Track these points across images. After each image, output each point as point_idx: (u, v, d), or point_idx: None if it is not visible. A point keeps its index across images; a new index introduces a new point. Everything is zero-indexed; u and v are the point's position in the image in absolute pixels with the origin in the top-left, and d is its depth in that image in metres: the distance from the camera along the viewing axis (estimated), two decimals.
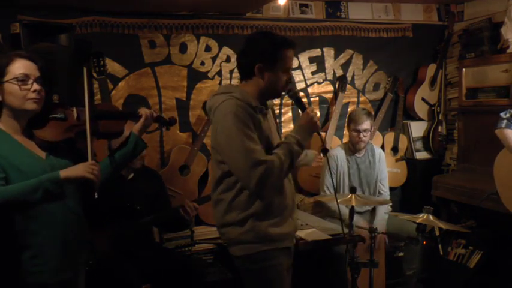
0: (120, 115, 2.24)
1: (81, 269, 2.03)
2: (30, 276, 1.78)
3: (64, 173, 1.77)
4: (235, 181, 2.00)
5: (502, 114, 3.02)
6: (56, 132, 1.89)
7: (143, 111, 2.10)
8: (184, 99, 3.78)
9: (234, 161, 1.93)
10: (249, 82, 2.07)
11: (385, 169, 3.69)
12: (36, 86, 1.79)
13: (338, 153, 3.56)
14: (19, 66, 1.79)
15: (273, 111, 2.26)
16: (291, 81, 2.11)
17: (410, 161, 4.45)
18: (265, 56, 2.00)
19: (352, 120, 3.52)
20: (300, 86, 4.19)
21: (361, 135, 3.46)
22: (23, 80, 1.77)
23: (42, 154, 1.86)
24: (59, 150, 1.92)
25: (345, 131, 3.82)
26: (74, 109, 1.98)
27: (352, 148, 3.57)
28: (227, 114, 1.93)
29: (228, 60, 3.89)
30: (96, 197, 1.82)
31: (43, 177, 1.73)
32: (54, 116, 1.90)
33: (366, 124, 3.45)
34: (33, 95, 1.78)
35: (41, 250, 1.79)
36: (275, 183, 1.96)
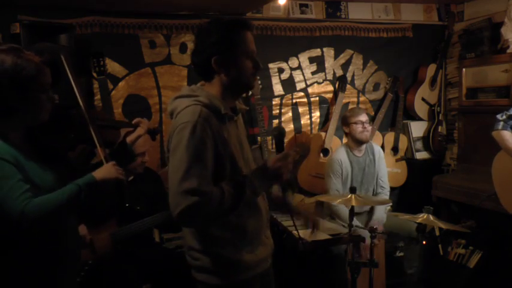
0: (116, 124, 2.23)
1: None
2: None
3: (99, 174, 1.74)
4: None
5: (499, 116, 3.02)
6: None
7: (138, 121, 2.09)
8: None
9: (171, 178, 1.65)
10: (212, 82, 1.76)
11: (385, 166, 3.69)
12: (52, 96, 1.72)
13: (341, 156, 3.55)
14: (47, 73, 1.70)
15: (243, 115, 1.97)
16: (259, 67, 1.77)
17: (410, 161, 4.45)
18: (219, 46, 1.68)
19: (350, 116, 3.52)
20: (300, 86, 4.19)
21: (365, 125, 3.48)
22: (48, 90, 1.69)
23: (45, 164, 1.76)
24: (56, 157, 1.84)
25: (348, 126, 3.79)
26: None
27: (353, 146, 3.56)
28: (186, 123, 1.63)
29: None
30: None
31: (80, 182, 1.68)
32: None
33: (365, 116, 3.50)
34: (49, 106, 1.72)
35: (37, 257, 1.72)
36: (206, 220, 1.67)
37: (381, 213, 3.51)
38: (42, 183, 1.65)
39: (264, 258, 1.87)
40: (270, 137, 3.85)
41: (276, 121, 4.10)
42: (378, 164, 3.63)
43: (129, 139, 2.07)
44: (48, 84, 1.70)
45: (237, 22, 1.74)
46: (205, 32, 1.73)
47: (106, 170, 1.77)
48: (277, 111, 4.13)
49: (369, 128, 3.52)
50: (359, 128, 3.48)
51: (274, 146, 1.65)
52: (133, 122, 2.11)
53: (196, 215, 1.60)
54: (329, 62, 4.27)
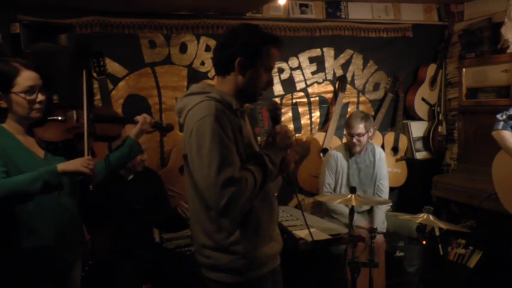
0: (118, 119, 2.32)
1: (75, 267, 2.09)
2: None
3: (61, 166, 1.84)
4: None
5: (499, 116, 3.02)
6: (55, 133, 1.99)
7: (141, 117, 2.20)
8: None
9: (203, 175, 1.64)
10: (226, 78, 1.80)
11: (385, 169, 3.69)
12: (41, 97, 1.90)
13: (339, 152, 3.57)
14: (26, 78, 1.88)
15: (248, 115, 2.00)
16: (272, 84, 1.87)
17: (410, 161, 4.45)
18: (249, 50, 1.75)
19: (347, 125, 3.53)
20: (300, 86, 4.19)
21: (355, 139, 3.46)
22: (29, 91, 1.88)
23: (41, 153, 1.96)
24: (57, 150, 2.00)
25: (345, 131, 3.82)
26: (74, 112, 2.06)
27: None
28: (205, 118, 1.66)
29: None
30: (91, 189, 1.90)
31: (42, 169, 1.80)
32: (54, 118, 1.98)
33: (359, 128, 3.44)
34: (38, 106, 1.90)
35: (35, 245, 1.87)
36: (246, 205, 1.68)
37: (381, 215, 3.51)
38: (27, 168, 1.82)
39: (275, 254, 1.91)
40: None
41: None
42: (378, 166, 3.61)
43: (132, 134, 2.17)
44: (31, 87, 1.87)
45: (270, 36, 1.82)
46: (238, 31, 1.80)
47: (72, 162, 1.88)
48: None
49: (362, 141, 3.47)
50: (352, 140, 3.48)
51: (270, 120, 1.71)
52: (135, 118, 2.19)
53: (238, 203, 1.63)
54: (329, 62, 4.27)
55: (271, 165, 1.74)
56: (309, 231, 2.27)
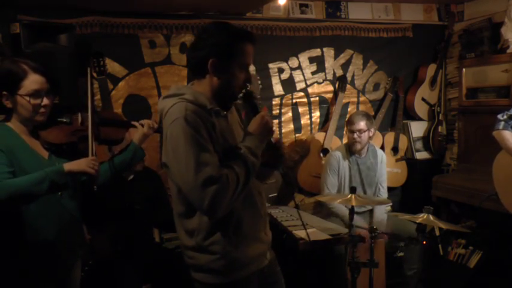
0: (122, 124, 2.33)
1: (75, 268, 2.10)
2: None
3: (68, 166, 1.88)
4: None
5: (500, 116, 3.02)
6: (60, 135, 2.02)
7: (145, 122, 2.22)
8: None
9: (183, 178, 1.61)
10: (201, 81, 1.76)
11: (385, 172, 3.68)
12: (46, 101, 1.92)
13: (340, 153, 3.56)
14: (33, 82, 1.89)
15: (238, 110, 1.95)
16: (250, 82, 1.79)
17: (410, 161, 4.45)
18: (220, 50, 1.68)
19: (348, 122, 3.52)
20: (300, 86, 4.19)
21: (355, 135, 3.45)
22: (35, 95, 1.89)
23: (45, 154, 1.97)
24: (61, 152, 2.01)
25: (345, 131, 3.82)
26: (79, 114, 2.08)
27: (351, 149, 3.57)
28: (175, 120, 1.62)
29: None
30: (95, 189, 1.93)
31: (48, 170, 1.83)
32: (60, 119, 2.00)
33: (360, 125, 3.43)
34: (42, 110, 1.92)
35: (36, 246, 1.88)
36: (231, 201, 1.63)
37: (380, 215, 3.50)
38: (31, 169, 1.84)
39: (260, 255, 1.84)
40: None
41: (276, 121, 4.10)
42: (380, 168, 3.61)
43: (135, 139, 2.19)
44: (37, 91, 1.89)
45: (242, 32, 1.74)
46: (209, 31, 1.72)
47: (77, 162, 1.91)
48: (277, 111, 4.13)
49: (363, 138, 3.46)
50: (352, 136, 3.48)
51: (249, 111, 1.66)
52: (140, 122, 2.22)
53: (223, 201, 1.60)
54: (329, 62, 4.27)
55: (252, 157, 1.68)
56: (306, 232, 2.26)
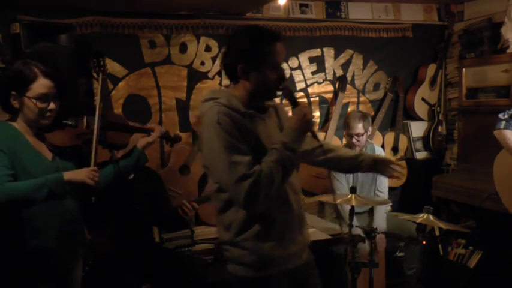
0: (128, 128, 2.33)
1: (76, 267, 2.12)
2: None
3: (68, 175, 1.87)
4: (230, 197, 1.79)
5: (501, 116, 3.02)
6: (64, 138, 2.04)
7: (155, 128, 2.22)
8: (184, 99, 3.78)
9: (219, 176, 1.75)
10: (236, 85, 1.84)
11: None
12: (52, 106, 1.94)
13: None
14: (41, 85, 1.91)
15: (280, 109, 2.02)
16: (285, 78, 1.85)
17: (410, 161, 4.45)
18: (245, 55, 1.75)
19: (345, 125, 3.52)
20: (300, 86, 4.19)
21: (354, 139, 3.46)
22: (42, 99, 1.90)
23: (49, 156, 1.98)
24: (65, 155, 2.04)
25: (345, 132, 3.82)
26: (85, 118, 2.09)
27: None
28: (209, 124, 1.72)
29: None
30: (92, 201, 1.95)
31: (49, 177, 1.82)
32: (65, 122, 2.01)
33: (358, 128, 3.44)
34: (48, 114, 1.94)
35: (36, 245, 1.89)
36: (268, 196, 1.70)
37: (381, 215, 3.50)
38: (35, 173, 1.85)
39: (292, 255, 1.88)
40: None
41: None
42: None
43: (140, 145, 2.20)
44: (44, 95, 1.90)
45: (265, 34, 1.78)
46: (236, 37, 1.81)
47: (78, 172, 1.91)
48: None
49: (361, 141, 3.47)
50: (351, 140, 3.48)
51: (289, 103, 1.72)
52: (147, 126, 2.23)
53: (258, 195, 1.67)
54: (329, 62, 4.27)
55: (286, 151, 1.72)
56: None
